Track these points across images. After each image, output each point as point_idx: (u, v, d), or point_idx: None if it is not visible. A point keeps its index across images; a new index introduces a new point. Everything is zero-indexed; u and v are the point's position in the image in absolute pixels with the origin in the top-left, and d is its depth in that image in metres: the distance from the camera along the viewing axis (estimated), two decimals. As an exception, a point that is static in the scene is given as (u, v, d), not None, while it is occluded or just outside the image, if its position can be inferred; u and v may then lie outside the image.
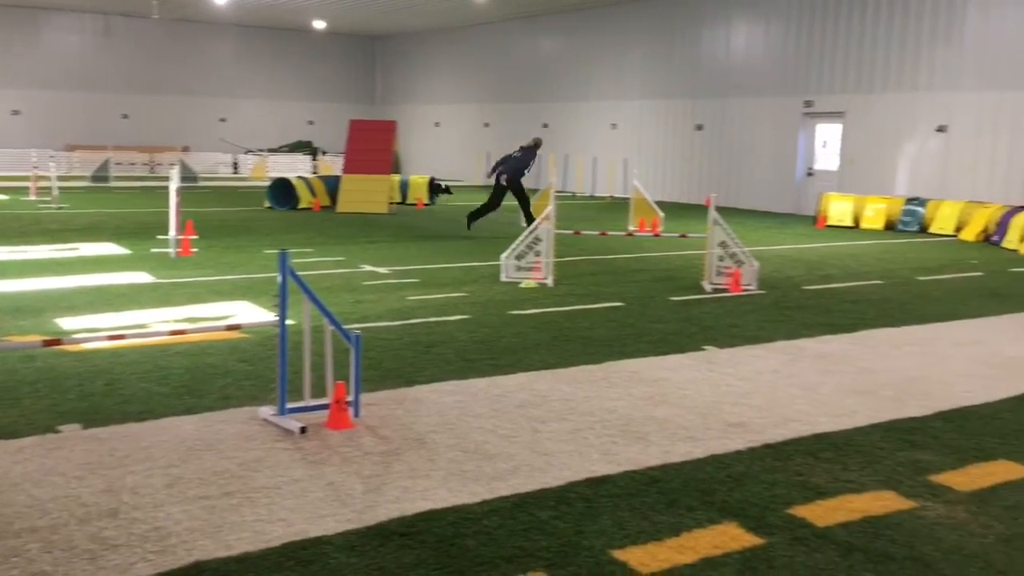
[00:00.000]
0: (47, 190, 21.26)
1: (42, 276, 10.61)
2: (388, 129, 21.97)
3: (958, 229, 18.01)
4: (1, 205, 20.08)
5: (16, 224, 16.18)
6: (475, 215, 16.62)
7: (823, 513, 4.39)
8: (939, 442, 5.51)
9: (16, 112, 34.04)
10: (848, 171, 22.12)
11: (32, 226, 15.95)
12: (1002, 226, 16.73)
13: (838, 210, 19.91)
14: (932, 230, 18.51)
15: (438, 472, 4.79)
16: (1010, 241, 16.11)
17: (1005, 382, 6.93)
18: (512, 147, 17.89)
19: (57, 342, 5.67)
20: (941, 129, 20.16)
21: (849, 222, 19.66)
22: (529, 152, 16.79)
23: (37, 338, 7.12)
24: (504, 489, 4.57)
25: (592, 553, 3.91)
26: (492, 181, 16.63)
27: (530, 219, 15.87)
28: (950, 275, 12.74)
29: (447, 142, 36.55)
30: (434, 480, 4.67)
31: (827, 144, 22.96)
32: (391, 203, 20.99)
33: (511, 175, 16.41)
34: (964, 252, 15.58)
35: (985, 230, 17.31)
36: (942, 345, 8.23)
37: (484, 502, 4.41)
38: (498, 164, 16.69)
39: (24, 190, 23.38)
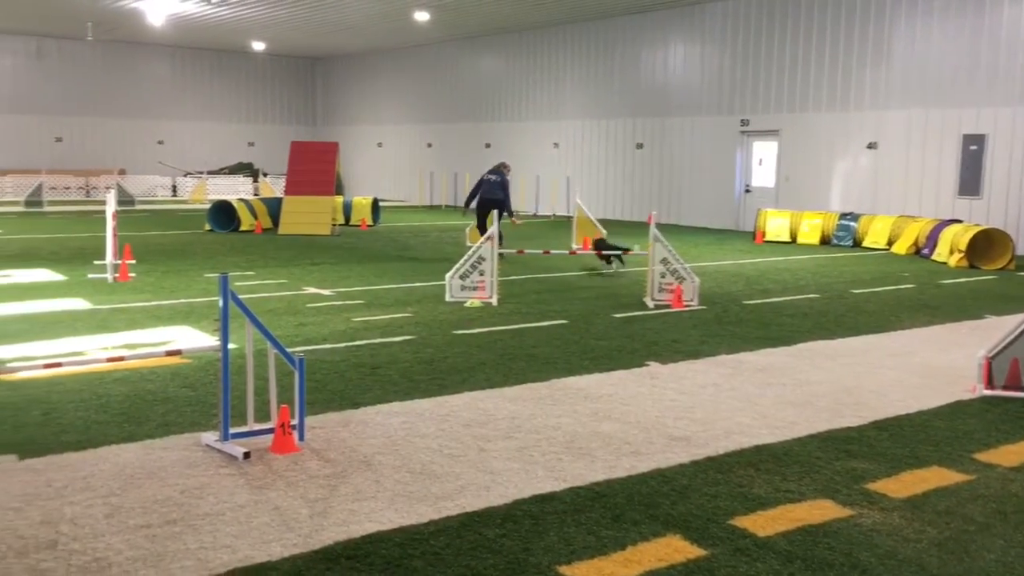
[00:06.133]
0: (-22, 215, 20.71)
1: (-27, 304, 10.34)
2: (330, 150, 21.88)
3: (890, 243, 18.52)
4: (-71, 231, 19.50)
5: (-55, 251, 15.74)
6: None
7: (764, 523, 4.49)
8: (874, 451, 5.67)
9: (-56, 136, 33.17)
10: (784, 187, 22.63)
11: (-38, 253, 15.52)
12: (932, 239, 17.25)
13: (775, 226, 20.34)
14: (865, 244, 19.01)
15: (385, 494, 4.78)
16: (940, 254, 16.61)
17: (936, 391, 7.15)
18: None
19: (-9, 372, 5.54)
20: (871, 146, 20.76)
21: (786, 237, 20.08)
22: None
23: (-31, 368, 6.93)
24: (451, 509, 4.58)
25: (540, 570, 3.94)
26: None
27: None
28: (883, 288, 13.09)
29: (390, 163, 36.50)
30: (381, 502, 4.67)
31: (763, 161, 23.46)
32: (334, 224, 20.87)
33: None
34: (896, 265, 16.02)
35: (916, 243, 17.82)
36: (876, 356, 8.45)
37: (431, 522, 4.42)
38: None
39: (-47, 216, 22.74)
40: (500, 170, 16.51)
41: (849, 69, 21.07)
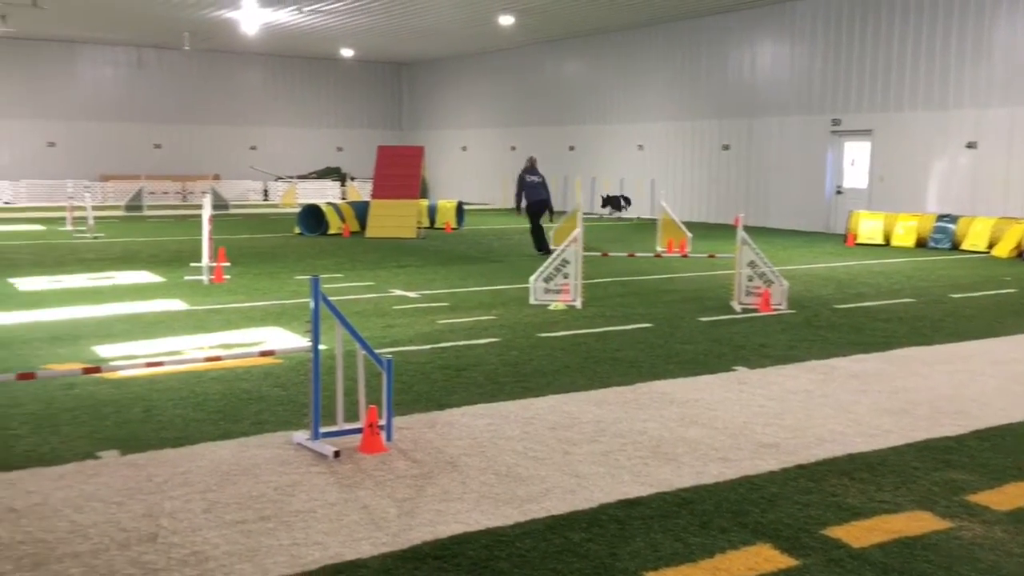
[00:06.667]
0: (83, 220, 21.63)
1: (79, 305, 10.80)
2: (416, 154, 22.15)
3: (991, 246, 17.82)
4: (38, 235, 20.46)
5: (53, 254, 16.48)
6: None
7: (859, 534, 4.36)
8: (975, 461, 5.46)
9: (52, 144, 34.70)
10: (878, 188, 21.99)
11: (68, 256, 16.24)
12: (1036, 242, 16.53)
13: (868, 228, 19.78)
14: (964, 247, 18.34)
15: (471, 495, 4.82)
16: (1045, 257, 15.92)
17: (1042, 400, 6.85)
18: (540, 170, 17.99)
19: (96, 370, 5.77)
20: (971, 145, 20.00)
21: (880, 240, 19.51)
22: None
23: (77, 366, 7.26)
24: (537, 511, 4.59)
25: None
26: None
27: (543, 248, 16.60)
28: (983, 292, 12.61)
29: (474, 166, 36.76)
30: (467, 503, 4.70)
31: (855, 162, 22.85)
32: (419, 228, 21.13)
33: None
34: (997, 269, 15.41)
35: (1018, 246, 17.11)
36: (976, 363, 8.14)
37: (517, 525, 4.43)
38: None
39: (60, 220, 23.81)
40: (536, 168, 17.28)
41: (947, 66, 20.36)
